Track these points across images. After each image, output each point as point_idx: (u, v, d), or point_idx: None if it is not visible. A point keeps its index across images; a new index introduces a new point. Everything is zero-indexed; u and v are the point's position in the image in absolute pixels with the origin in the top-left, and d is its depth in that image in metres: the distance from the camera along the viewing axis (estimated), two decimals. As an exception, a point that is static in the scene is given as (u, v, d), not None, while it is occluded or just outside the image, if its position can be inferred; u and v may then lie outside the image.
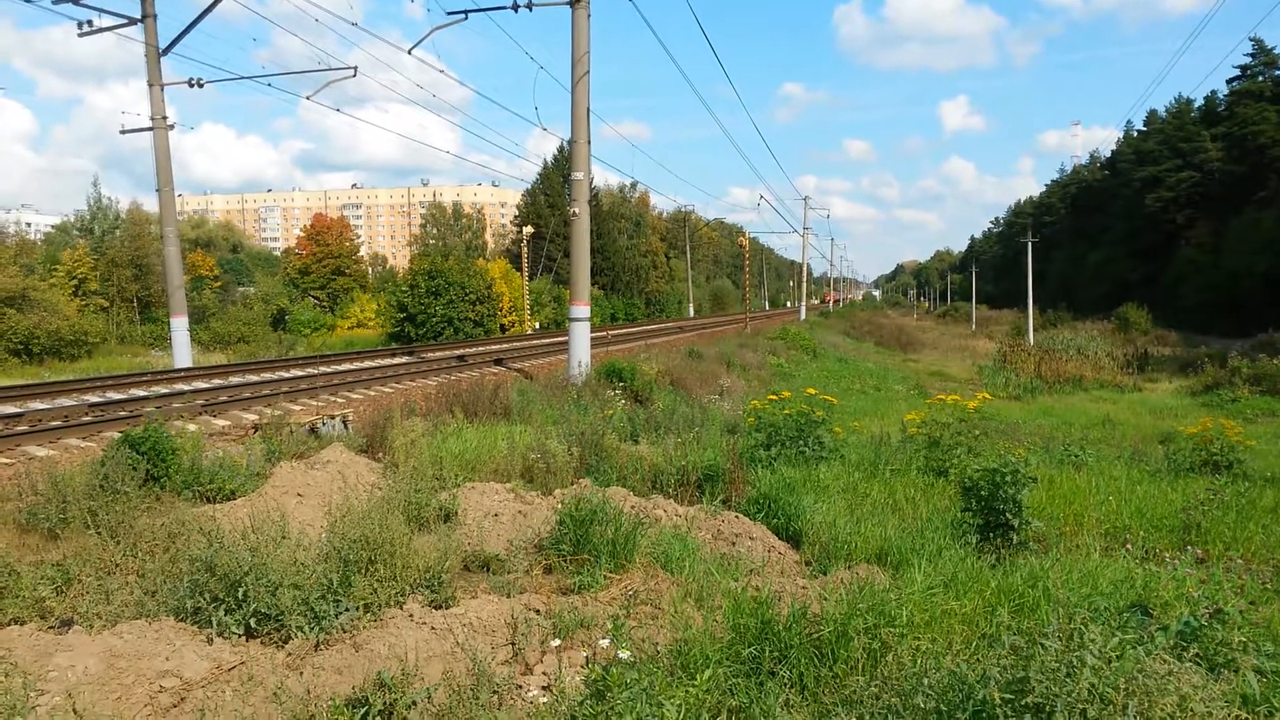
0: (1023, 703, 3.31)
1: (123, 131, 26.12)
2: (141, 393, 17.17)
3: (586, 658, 4.65)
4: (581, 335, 19.62)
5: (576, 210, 19.89)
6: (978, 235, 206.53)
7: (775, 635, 4.47)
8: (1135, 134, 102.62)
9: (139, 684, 4.25)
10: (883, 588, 4.97)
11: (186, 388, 17.72)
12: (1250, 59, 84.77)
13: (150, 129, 24.98)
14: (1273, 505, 8.91)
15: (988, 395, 14.60)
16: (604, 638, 4.69)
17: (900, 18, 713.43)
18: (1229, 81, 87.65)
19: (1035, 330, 70.84)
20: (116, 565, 6.06)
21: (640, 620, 5.15)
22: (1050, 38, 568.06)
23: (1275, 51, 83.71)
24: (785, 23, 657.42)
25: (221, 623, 4.91)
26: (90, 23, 24.04)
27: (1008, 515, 7.30)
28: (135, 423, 10.94)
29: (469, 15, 21.21)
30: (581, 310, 19.83)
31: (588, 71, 19.37)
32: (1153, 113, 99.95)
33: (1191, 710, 3.19)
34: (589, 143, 19.81)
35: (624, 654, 4.27)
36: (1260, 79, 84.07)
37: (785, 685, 4.23)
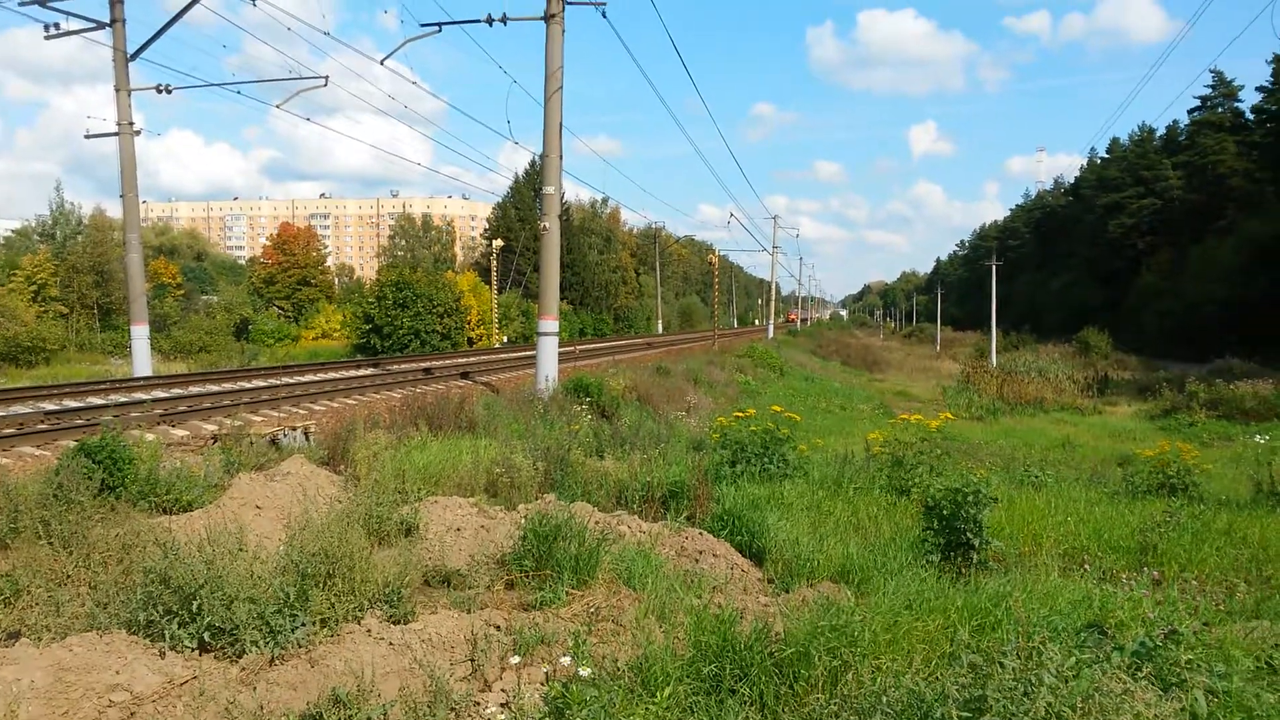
0: (980, 721, 3.33)
1: (88, 136, 25.80)
2: (99, 401, 16.89)
3: (546, 675, 4.62)
4: (549, 350, 19.56)
5: (547, 224, 19.87)
6: (944, 258, 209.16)
7: (737, 653, 4.46)
8: (1098, 161, 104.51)
9: (87, 698, 4.16)
10: (846, 607, 4.98)
11: (145, 397, 17.44)
12: (1210, 90, 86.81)
13: (116, 134, 24.65)
14: (1226, 528, 9.06)
15: (950, 415, 14.76)
16: (565, 655, 4.66)
17: (872, 40, 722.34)
18: (1190, 112, 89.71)
19: (998, 352, 71.60)
20: (68, 576, 5.93)
21: (602, 637, 5.13)
22: (1019, 65, 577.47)
23: (1234, 83, 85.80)
24: (758, 43, 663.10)
25: (175, 636, 4.81)
26: (57, 26, 23.71)
27: (969, 535, 7.36)
28: (92, 431, 10.75)
29: (442, 27, 21.22)
30: (550, 325, 19.78)
31: (561, 86, 19.41)
32: (1115, 140, 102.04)
33: (1144, 729, 3.23)
34: (561, 157, 19.83)
35: (584, 671, 4.25)
36: (1220, 110, 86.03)
37: (745, 703, 4.22)
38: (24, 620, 5.23)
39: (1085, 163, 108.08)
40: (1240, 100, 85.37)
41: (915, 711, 3.60)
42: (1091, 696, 3.33)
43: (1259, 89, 79.69)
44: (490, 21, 20.57)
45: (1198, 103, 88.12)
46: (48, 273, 51.56)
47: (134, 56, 24.44)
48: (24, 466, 10.48)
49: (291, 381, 22.25)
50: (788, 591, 6.49)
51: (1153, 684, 3.59)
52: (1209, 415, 32.28)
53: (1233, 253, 66.68)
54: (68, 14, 23.66)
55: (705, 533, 7.99)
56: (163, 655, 4.66)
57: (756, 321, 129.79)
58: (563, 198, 21.02)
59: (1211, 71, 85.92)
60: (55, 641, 4.68)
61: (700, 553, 7.42)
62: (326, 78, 25.21)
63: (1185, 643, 4.11)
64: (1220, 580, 7.37)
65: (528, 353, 32.12)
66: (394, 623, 5.22)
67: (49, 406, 16.00)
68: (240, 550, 5.48)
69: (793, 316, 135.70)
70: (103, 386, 19.95)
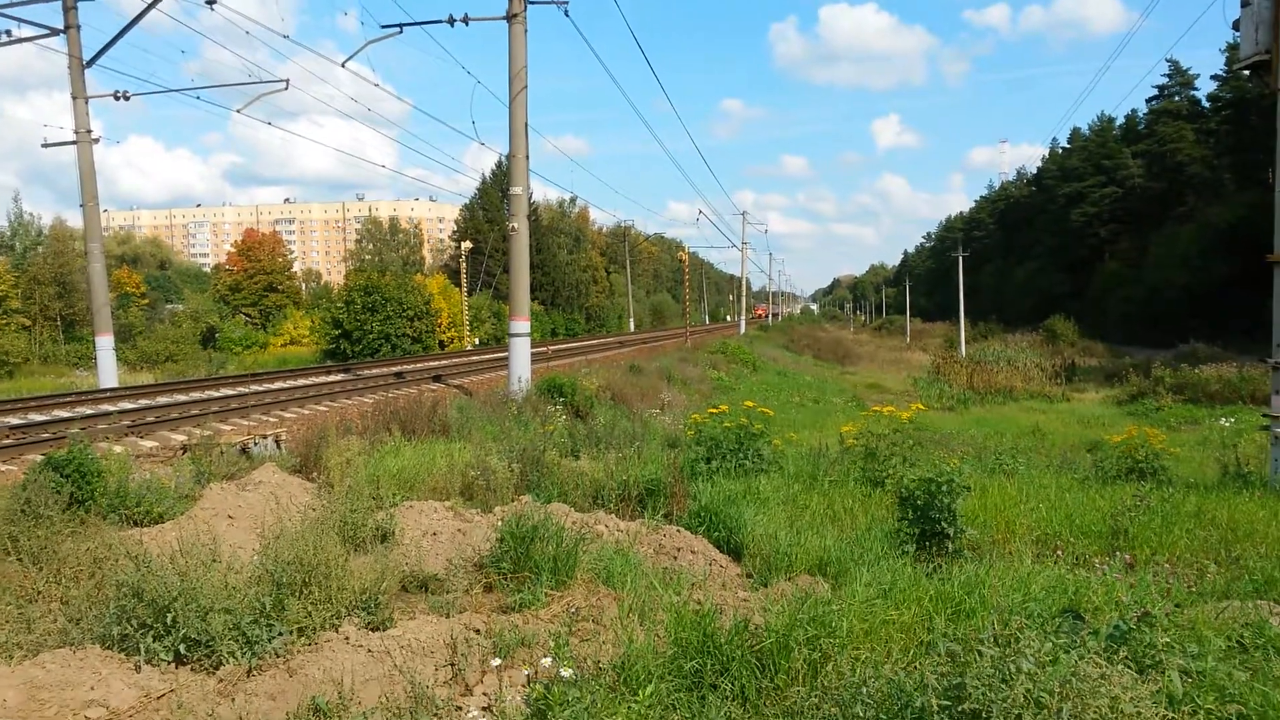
0: (960, 709, 3.35)
1: (45, 145, 25.39)
2: (65, 414, 16.64)
3: (528, 676, 4.61)
4: (521, 351, 19.52)
5: (515, 225, 19.82)
6: (911, 250, 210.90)
7: (717, 648, 4.47)
8: (1060, 151, 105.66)
9: (62, 715, 4.10)
10: (823, 599, 5.00)
11: (112, 408, 17.21)
12: (1167, 79, 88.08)
13: (74, 143, 24.30)
14: (1195, 510, 9.18)
15: (922, 406, 14.89)
16: (546, 656, 4.65)
17: (834, 36, 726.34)
18: (1148, 101, 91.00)
19: (967, 342, 72.45)
20: (39, 592, 5.84)
21: (582, 637, 5.12)
22: (980, 57, 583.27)
23: (1190, 72, 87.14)
24: (723, 40, 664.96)
25: (150, 650, 4.75)
26: (9, 33, 23.35)
27: (943, 524, 7.42)
28: (59, 445, 10.58)
29: (404, 29, 21.11)
30: (521, 325, 19.74)
31: (525, 86, 19.35)
32: (1076, 130, 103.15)
33: (1122, 711, 3.27)
34: (527, 157, 19.77)
35: (566, 672, 4.24)
36: (1177, 99, 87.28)
37: (727, 698, 4.23)
38: (-6, 639, 5.14)
39: (1047, 153, 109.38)
40: (1197, 89, 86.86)
41: (895, 701, 3.62)
42: (1069, 681, 3.37)
43: (1214, 77, 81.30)
44: (452, 22, 20.49)
45: (1156, 92, 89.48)
46: (8, 285, 50.79)
47: (90, 63, 24.10)
48: (-11, 482, 10.30)
49: (261, 389, 22.04)
50: (766, 586, 6.51)
51: (1129, 667, 3.63)
52: (1175, 400, 32.77)
53: (1193, 239, 67.74)
54: (20, 20, 23.32)
55: (683, 530, 8.00)
56: (138, 669, 4.60)
57: (729, 317, 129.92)
58: (530, 198, 20.97)
59: (1168, 61, 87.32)
60: (27, 659, 4.60)
61: (678, 550, 7.43)
62: (287, 81, 24.99)
63: (1159, 625, 4.16)
64: (1191, 562, 7.48)
65: (500, 354, 32.01)
66: (372, 629, 5.19)
67: (13, 420, 15.75)
68: (214, 561, 5.42)
69: (760, 311, 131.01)
70: (68, 399, 19.66)
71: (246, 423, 15.81)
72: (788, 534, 7.71)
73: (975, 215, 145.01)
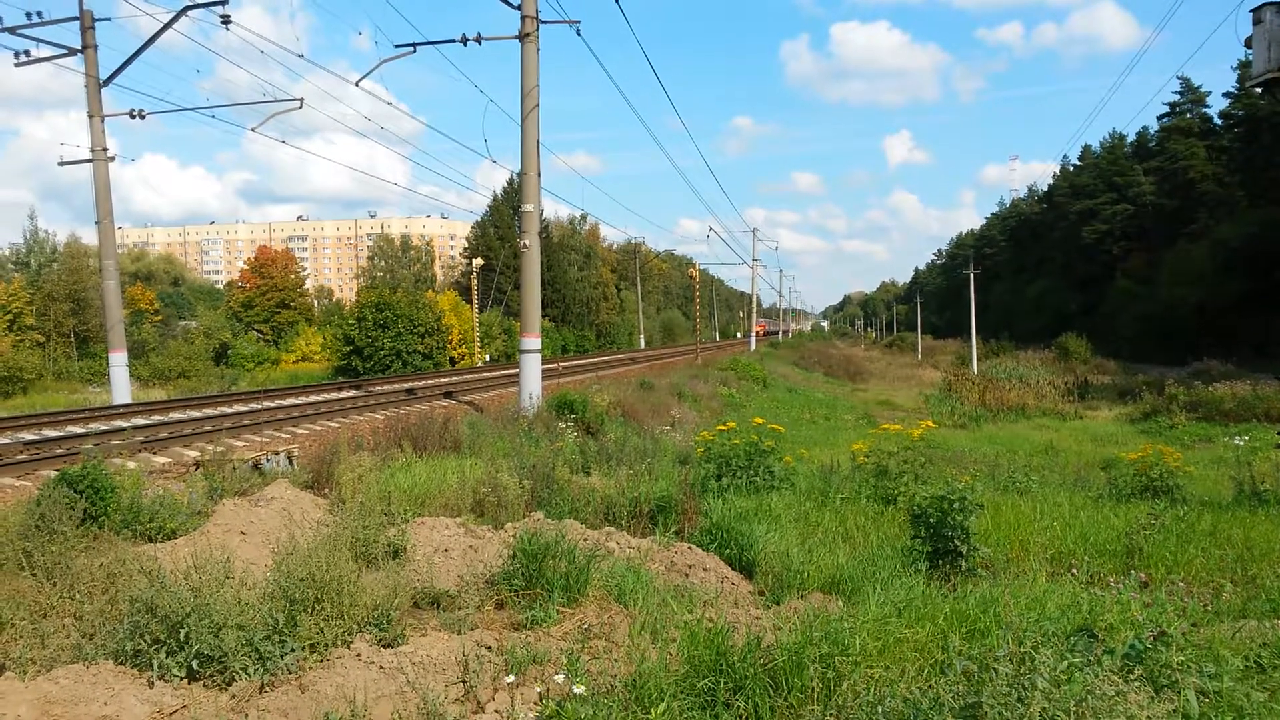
0: (976, 728, 3.34)
1: (61, 163, 25.66)
2: (79, 430, 16.73)
3: (540, 694, 4.60)
4: (532, 367, 19.55)
5: (527, 242, 19.89)
6: (922, 267, 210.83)
7: (730, 666, 4.45)
8: (1071, 168, 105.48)
9: (75, 731, 4.11)
10: (836, 616, 4.98)
11: (126, 424, 17.30)
12: (1179, 96, 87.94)
13: (90, 160, 24.54)
14: (1211, 529, 9.12)
15: (933, 424, 14.83)
16: (559, 673, 4.64)
17: (846, 53, 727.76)
18: (1160, 118, 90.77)
19: (979, 359, 72.15)
20: (52, 608, 5.86)
21: (595, 654, 5.11)
22: (993, 74, 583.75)
23: (1202, 90, 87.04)
24: (735, 57, 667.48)
25: (163, 665, 4.76)
26: (28, 53, 23.64)
27: (956, 542, 7.39)
28: (73, 461, 10.64)
29: (417, 48, 21.26)
30: (532, 342, 19.78)
31: (537, 104, 19.46)
32: (1087, 148, 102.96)
33: (1138, 731, 3.25)
34: (539, 175, 19.86)
35: (579, 689, 4.23)
36: (1188, 116, 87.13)
37: (740, 717, 4.21)
38: (8, 654, 5.15)
39: (1058, 170, 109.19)
40: (1208, 106, 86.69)
41: (911, 720, 3.60)
42: (1085, 700, 3.35)
43: (1226, 95, 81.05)
44: (465, 41, 20.64)
45: (1167, 109, 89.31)
46: (23, 301, 51.16)
47: (106, 82, 24.35)
48: (4, 498, 10.36)
49: (273, 405, 22.12)
50: (779, 604, 6.49)
51: (1144, 686, 3.61)
52: (1189, 417, 32.53)
53: (1205, 256, 67.44)
54: (38, 41, 23.59)
55: (694, 547, 7.98)
56: (151, 685, 4.60)
57: (739, 334, 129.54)
58: (542, 215, 21.02)
59: (1180, 78, 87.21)
60: (41, 674, 4.62)
61: (690, 567, 7.41)
62: (301, 100, 25.20)
63: (1175, 644, 4.13)
64: (1206, 581, 7.42)
65: (511, 371, 32.06)
66: (384, 646, 5.19)
67: (28, 436, 15.84)
68: (227, 577, 5.43)
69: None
70: (82, 415, 19.77)
71: (259, 439, 15.86)
72: (800, 551, 7.68)
73: (986, 232, 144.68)
